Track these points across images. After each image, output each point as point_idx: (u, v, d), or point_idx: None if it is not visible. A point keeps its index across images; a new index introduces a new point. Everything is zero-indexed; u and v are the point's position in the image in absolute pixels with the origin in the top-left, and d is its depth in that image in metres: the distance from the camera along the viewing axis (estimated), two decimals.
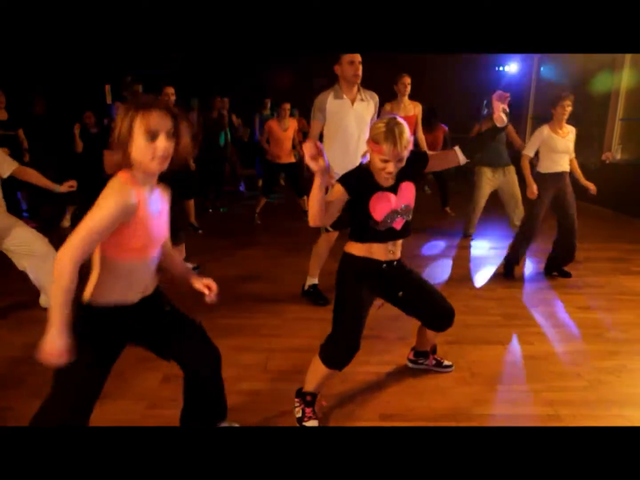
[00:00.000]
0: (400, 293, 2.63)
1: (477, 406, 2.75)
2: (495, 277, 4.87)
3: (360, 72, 3.77)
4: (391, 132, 2.26)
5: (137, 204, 1.72)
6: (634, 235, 6.56)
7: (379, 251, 2.52)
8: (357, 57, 3.76)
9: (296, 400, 2.63)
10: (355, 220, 2.52)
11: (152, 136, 1.69)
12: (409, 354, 3.16)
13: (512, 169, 5.79)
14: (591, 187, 4.69)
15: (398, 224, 2.51)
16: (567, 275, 4.90)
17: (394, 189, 2.48)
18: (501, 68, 11.56)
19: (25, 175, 3.74)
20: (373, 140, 2.33)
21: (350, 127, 3.80)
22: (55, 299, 1.62)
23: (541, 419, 2.65)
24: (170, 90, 5.45)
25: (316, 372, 2.52)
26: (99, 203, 1.67)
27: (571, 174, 4.69)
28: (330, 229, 3.93)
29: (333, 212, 2.37)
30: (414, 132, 5.40)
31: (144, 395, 2.78)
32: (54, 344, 1.62)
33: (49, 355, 1.62)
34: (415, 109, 5.46)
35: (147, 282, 1.95)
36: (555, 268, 4.95)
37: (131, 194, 1.69)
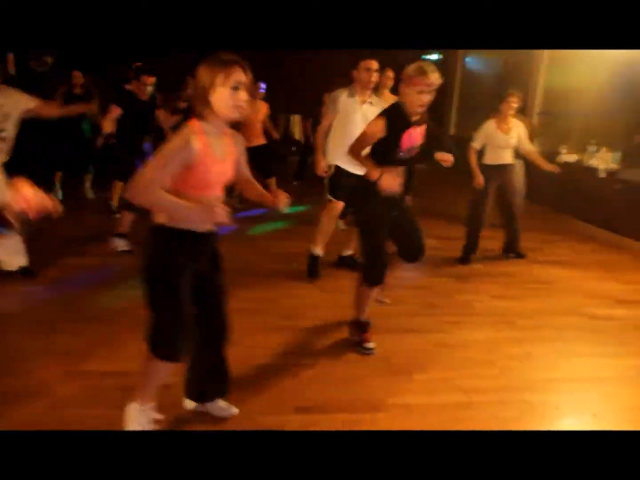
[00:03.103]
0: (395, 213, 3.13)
1: (394, 395, 2.81)
2: (417, 266, 4.97)
3: (374, 79, 4.19)
4: (424, 66, 2.85)
5: (200, 149, 1.94)
6: (551, 227, 6.87)
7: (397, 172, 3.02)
8: (374, 65, 4.15)
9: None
10: (381, 149, 2.99)
11: (236, 88, 1.95)
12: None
13: None
14: (554, 169, 5.12)
15: (411, 155, 3.08)
16: (522, 255, 5.31)
17: (416, 127, 3.01)
18: (425, 57, 11.75)
19: (48, 110, 3.93)
20: (408, 76, 2.87)
21: (356, 124, 4.06)
22: (169, 203, 1.91)
23: (456, 407, 2.74)
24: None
25: (361, 297, 3.27)
26: (168, 144, 1.95)
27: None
28: (333, 199, 4.37)
29: (365, 147, 3.05)
30: None
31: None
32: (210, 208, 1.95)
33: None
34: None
35: None
36: (511, 250, 5.36)
37: (194, 139, 1.93)
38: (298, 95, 9.77)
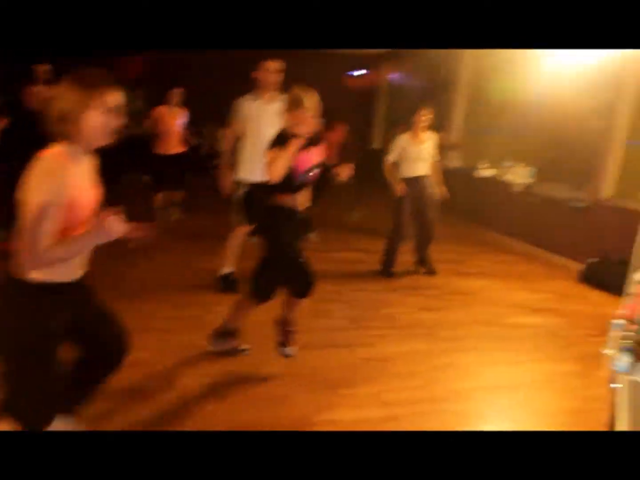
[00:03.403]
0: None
1: (319, 412, 2.79)
2: (344, 280, 5.00)
3: (278, 80, 4.01)
4: (303, 95, 2.86)
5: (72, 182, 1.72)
6: (470, 239, 7.14)
7: (296, 199, 3.01)
8: (276, 65, 3.99)
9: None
10: None
11: (110, 111, 1.77)
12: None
13: None
14: (442, 192, 5.20)
15: (310, 178, 3.02)
16: (431, 272, 5.32)
17: (310, 148, 2.96)
18: (353, 72, 11.99)
19: None
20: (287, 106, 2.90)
21: (267, 130, 3.82)
22: (71, 247, 1.71)
23: (381, 420, 2.75)
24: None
25: (240, 309, 3.13)
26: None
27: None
28: (243, 223, 4.12)
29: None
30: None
31: None
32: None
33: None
34: None
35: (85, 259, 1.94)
36: (422, 264, 5.38)
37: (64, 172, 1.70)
38: (221, 103, 9.63)
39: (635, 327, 3.70)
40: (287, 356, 3.19)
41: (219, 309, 3.54)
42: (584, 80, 6.01)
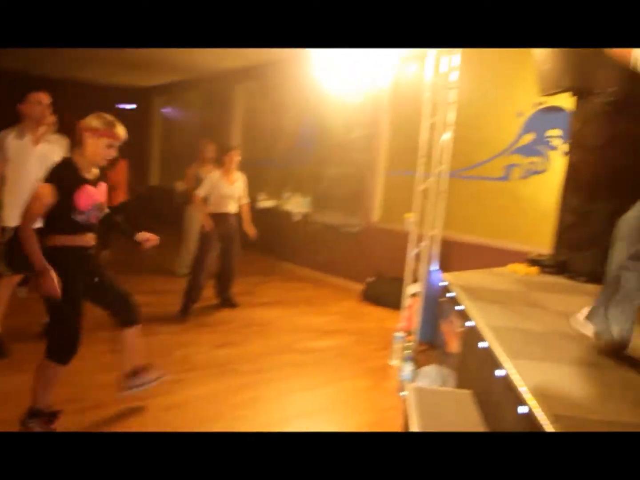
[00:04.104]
0: (96, 279, 2.83)
1: None
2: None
3: (48, 113, 3.68)
4: (111, 119, 2.69)
5: None
6: (260, 270, 7.21)
7: (82, 239, 2.72)
8: (45, 99, 3.64)
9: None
10: (55, 213, 2.59)
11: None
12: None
13: None
14: (250, 232, 5.27)
15: (95, 217, 2.76)
16: (233, 305, 5.31)
17: (94, 184, 2.73)
18: (124, 105, 11.46)
19: None
20: (95, 127, 2.64)
21: (30, 172, 3.46)
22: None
23: None
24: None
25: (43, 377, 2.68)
26: None
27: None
28: (10, 272, 3.66)
29: (37, 216, 2.59)
30: None
31: None
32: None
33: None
34: None
35: None
36: (223, 299, 5.32)
37: None
38: None
39: (412, 337, 4.10)
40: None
41: None
42: (349, 114, 6.59)
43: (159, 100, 11.55)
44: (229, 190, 5.10)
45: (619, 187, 3.50)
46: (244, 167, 5.40)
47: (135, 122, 11.21)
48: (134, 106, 11.57)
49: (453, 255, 5.10)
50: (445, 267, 4.45)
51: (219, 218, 5.04)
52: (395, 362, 4.06)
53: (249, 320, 4.99)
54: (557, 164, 4.63)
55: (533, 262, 4.02)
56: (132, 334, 3.02)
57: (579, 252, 3.94)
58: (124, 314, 2.98)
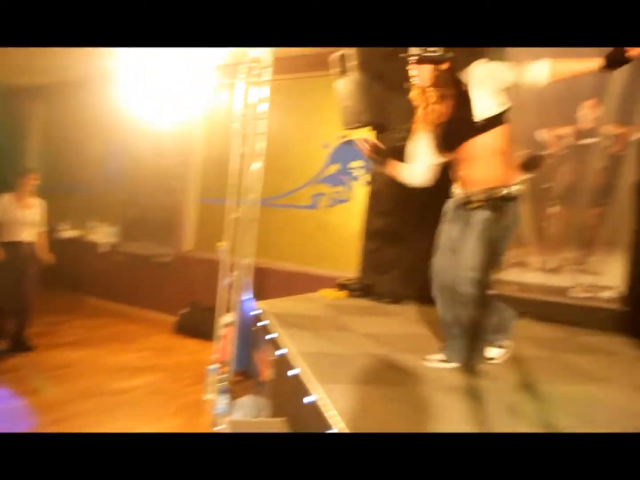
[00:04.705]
0: None
1: None
2: None
3: None
4: None
5: None
6: (61, 307, 6.51)
7: None
8: None
9: None
10: None
11: None
12: None
13: None
14: (46, 258, 4.87)
15: None
16: (28, 349, 4.70)
17: None
18: None
19: None
20: None
21: None
22: None
23: None
24: None
25: None
26: None
27: None
28: None
29: None
30: None
31: None
32: None
33: None
34: None
35: None
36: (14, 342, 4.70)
37: None
38: None
39: (227, 368, 4.02)
40: None
41: None
42: (161, 140, 6.37)
43: None
44: (22, 215, 4.66)
45: (411, 211, 3.87)
46: (43, 192, 4.94)
47: None
48: None
49: (267, 283, 5.15)
50: (259, 295, 4.46)
51: (10, 247, 4.58)
52: (209, 396, 3.93)
53: (49, 364, 4.46)
54: (360, 193, 4.97)
55: (341, 286, 4.23)
56: None
57: (382, 275, 4.25)
58: None
